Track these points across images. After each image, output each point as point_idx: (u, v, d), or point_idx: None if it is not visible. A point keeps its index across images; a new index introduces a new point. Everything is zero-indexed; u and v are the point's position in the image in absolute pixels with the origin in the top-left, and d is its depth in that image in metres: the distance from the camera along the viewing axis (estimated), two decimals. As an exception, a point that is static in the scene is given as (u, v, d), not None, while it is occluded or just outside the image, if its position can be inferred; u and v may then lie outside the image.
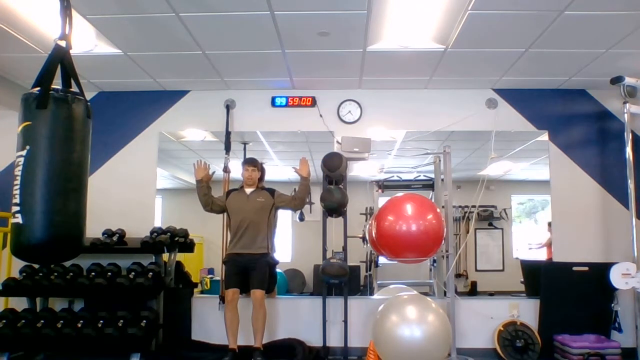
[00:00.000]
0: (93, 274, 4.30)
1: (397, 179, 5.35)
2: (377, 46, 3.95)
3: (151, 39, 3.84)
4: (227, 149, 4.82)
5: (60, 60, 2.27)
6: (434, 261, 5.08)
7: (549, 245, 5.02)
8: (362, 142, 4.55)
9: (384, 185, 5.38)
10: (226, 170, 4.77)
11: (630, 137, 4.24)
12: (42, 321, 4.00)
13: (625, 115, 4.25)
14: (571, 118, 4.89)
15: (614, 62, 4.17)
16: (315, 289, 5.32)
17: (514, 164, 5.52)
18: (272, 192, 4.28)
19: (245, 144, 5.18)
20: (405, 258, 4.15)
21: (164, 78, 4.72)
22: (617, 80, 4.22)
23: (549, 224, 4.94)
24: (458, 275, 5.43)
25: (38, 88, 2.20)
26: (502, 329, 4.43)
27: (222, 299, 4.42)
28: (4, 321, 3.97)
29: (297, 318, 4.61)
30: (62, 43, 2.29)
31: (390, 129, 4.95)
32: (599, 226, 4.72)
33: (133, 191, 4.89)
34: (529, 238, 5.76)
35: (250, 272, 4.08)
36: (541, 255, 5.36)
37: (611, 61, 4.15)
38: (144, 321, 4.05)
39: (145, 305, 4.26)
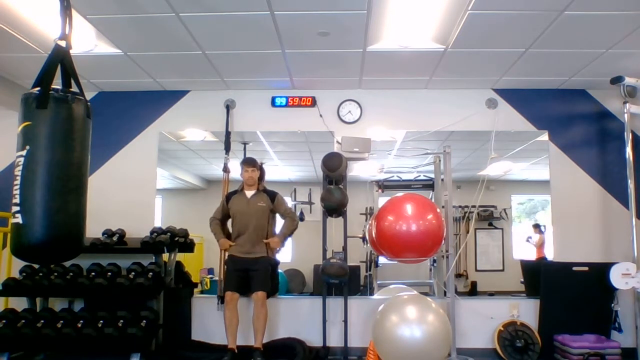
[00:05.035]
0: (93, 274, 4.30)
1: (397, 179, 5.34)
2: (377, 46, 3.94)
3: (151, 39, 3.84)
4: (227, 149, 4.82)
5: (60, 60, 2.27)
6: (434, 261, 5.08)
7: (540, 245, 5.16)
8: (362, 142, 4.55)
9: (384, 185, 5.38)
10: (226, 170, 4.77)
11: (630, 137, 4.25)
12: (42, 321, 4.00)
13: (625, 115, 4.26)
14: (571, 118, 4.88)
15: (614, 62, 4.17)
16: (315, 289, 5.31)
17: (514, 164, 5.52)
18: (273, 196, 4.28)
19: (245, 144, 5.18)
20: (405, 258, 4.15)
21: (164, 78, 4.72)
22: (617, 80, 4.22)
23: (535, 227, 5.11)
24: (458, 275, 5.43)
25: (38, 88, 2.19)
26: (502, 329, 4.43)
27: (221, 299, 4.42)
28: (4, 321, 3.97)
29: (297, 318, 4.61)
30: (62, 43, 2.28)
31: (390, 129, 4.94)
32: (599, 226, 4.72)
33: (133, 191, 4.89)
34: (526, 235, 5.81)
35: (251, 273, 4.10)
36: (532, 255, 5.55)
37: (611, 61, 4.15)
38: (144, 321, 4.05)
39: (145, 305, 4.25)
